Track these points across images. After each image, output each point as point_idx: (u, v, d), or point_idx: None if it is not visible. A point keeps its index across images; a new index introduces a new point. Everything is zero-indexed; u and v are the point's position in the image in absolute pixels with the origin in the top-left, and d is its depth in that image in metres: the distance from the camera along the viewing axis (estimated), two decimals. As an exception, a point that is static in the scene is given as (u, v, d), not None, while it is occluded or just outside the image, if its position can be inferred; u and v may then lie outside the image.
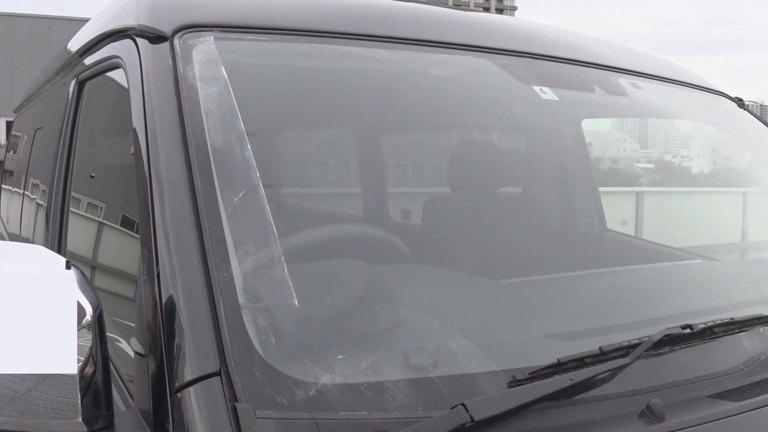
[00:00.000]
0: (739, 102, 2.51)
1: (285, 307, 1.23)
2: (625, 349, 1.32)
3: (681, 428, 1.22)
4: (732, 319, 1.51)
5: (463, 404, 1.09)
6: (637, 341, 1.34)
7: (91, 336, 1.08)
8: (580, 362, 1.27)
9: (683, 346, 1.43)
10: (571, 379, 1.21)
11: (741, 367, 1.46)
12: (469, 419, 1.08)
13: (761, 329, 1.58)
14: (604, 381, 1.27)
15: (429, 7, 2.08)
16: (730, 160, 2.87)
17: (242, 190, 1.32)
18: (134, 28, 1.66)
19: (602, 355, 1.30)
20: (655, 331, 1.41)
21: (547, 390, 1.18)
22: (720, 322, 1.49)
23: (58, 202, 2.20)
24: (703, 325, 1.45)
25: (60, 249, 2.12)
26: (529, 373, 1.22)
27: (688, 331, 1.42)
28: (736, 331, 1.51)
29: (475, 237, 1.83)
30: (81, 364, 1.07)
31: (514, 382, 1.21)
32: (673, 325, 1.41)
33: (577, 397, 1.24)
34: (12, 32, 30.44)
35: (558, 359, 1.25)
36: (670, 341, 1.39)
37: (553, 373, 1.23)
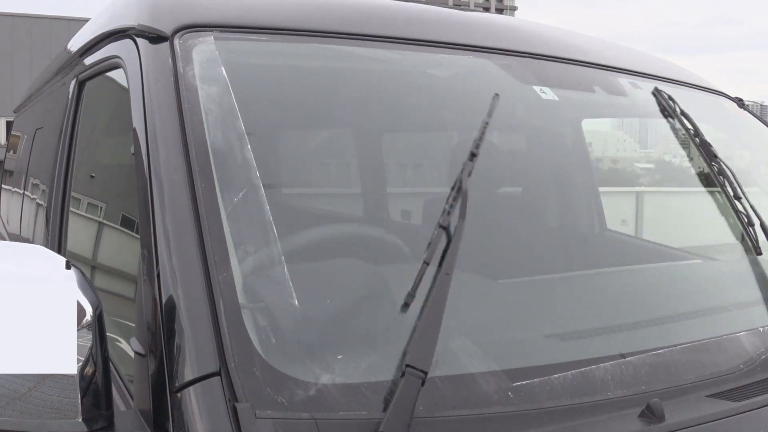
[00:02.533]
0: (739, 102, 2.51)
1: (285, 307, 1.23)
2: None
3: (681, 428, 1.22)
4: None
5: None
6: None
7: (91, 336, 1.08)
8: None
9: (681, 343, 1.43)
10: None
11: (741, 367, 1.46)
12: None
13: (761, 329, 1.58)
14: (606, 385, 1.27)
15: (429, 7, 2.08)
16: (730, 160, 2.87)
17: (242, 190, 1.32)
18: (134, 28, 1.66)
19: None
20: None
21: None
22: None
23: (58, 202, 2.20)
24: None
25: (60, 249, 2.12)
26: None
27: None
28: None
29: (475, 237, 1.83)
30: (81, 364, 1.07)
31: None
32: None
33: (577, 396, 1.24)
34: (12, 32, 30.44)
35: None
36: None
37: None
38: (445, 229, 1.34)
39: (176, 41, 1.52)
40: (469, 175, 1.53)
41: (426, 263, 1.34)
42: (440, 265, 1.46)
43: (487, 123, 1.72)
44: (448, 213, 1.37)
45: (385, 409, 1.10)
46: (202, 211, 1.26)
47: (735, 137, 2.62)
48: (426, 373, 1.11)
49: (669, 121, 2.11)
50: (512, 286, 1.69)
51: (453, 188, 1.50)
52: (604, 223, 2.80)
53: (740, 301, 1.79)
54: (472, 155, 1.55)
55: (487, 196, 2.07)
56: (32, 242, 2.68)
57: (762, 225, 1.86)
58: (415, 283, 1.28)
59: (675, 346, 1.45)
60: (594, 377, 1.29)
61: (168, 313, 1.18)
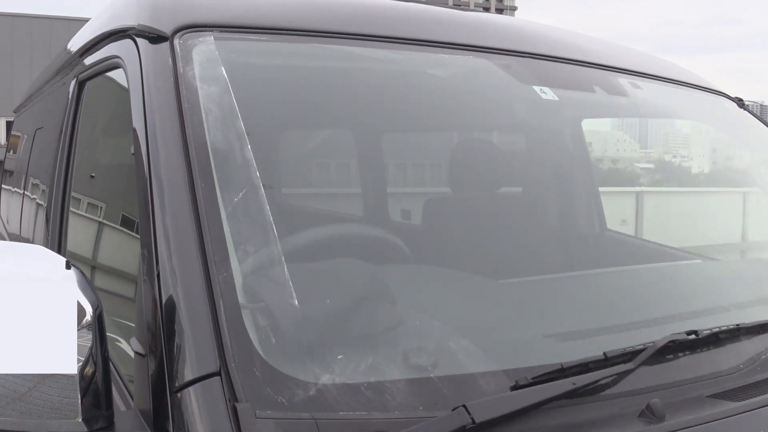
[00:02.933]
0: (739, 102, 2.51)
1: (285, 307, 1.23)
2: (629, 355, 1.31)
3: (681, 428, 1.22)
4: (737, 325, 1.51)
5: (464, 406, 1.09)
6: (641, 347, 1.33)
7: (91, 336, 1.08)
8: (584, 367, 1.27)
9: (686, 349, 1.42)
10: (574, 383, 1.21)
11: (741, 367, 1.46)
12: (471, 421, 1.08)
13: (763, 331, 1.58)
14: (606, 386, 1.27)
15: (429, 7, 2.08)
16: (730, 160, 2.87)
17: (242, 190, 1.32)
18: (134, 28, 1.66)
19: (606, 361, 1.29)
20: (657, 332, 1.41)
21: (549, 394, 1.18)
22: (725, 328, 1.48)
23: (58, 202, 2.20)
24: (708, 332, 1.44)
25: (60, 249, 2.12)
26: (532, 377, 1.22)
27: (693, 337, 1.41)
28: (741, 337, 1.51)
29: (475, 237, 1.83)
30: (81, 364, 1.07)
31: (517, 386, 1.21)
32: (678, 331, 1.40)
33: (578, 397, 1.24)
34: (12, 32, 30.44)
35: (561, 364, 1.25)
36: (674, 347, 1.38)
37: (557, 377, 1.23)
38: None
39: (176, 41, 1.52)
40: (470, 175, 1.52)
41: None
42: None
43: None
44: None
45: (377, 410, 1.10)
46: (202, 211, 1.26)
47: (735, 137, 2.62)
48: (474, 423, 1.08)
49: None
50: (512, 286, 1.69)
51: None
52: (604, 223, 2.80)
53: (740, 301, 1.79)
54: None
55: (487, 196, 2.07)
56: (32, 242, 2.68)
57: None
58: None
59: (679, 351, 1.45)
60: (597, 382, 1.29)
61: (168, 313, 1.18)
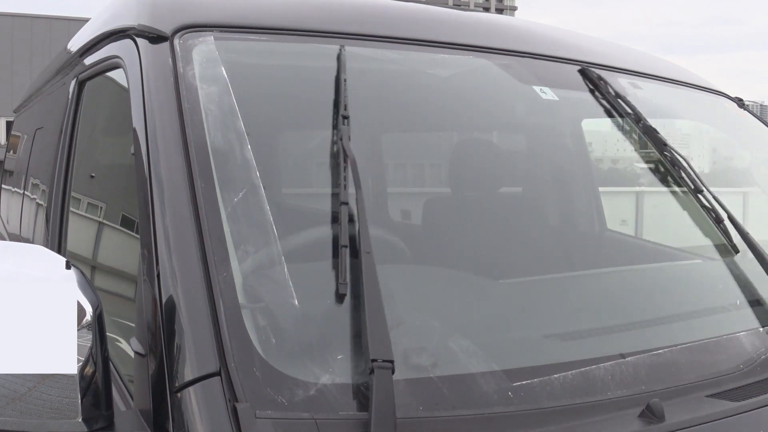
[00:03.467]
0: (739, 102, 2.51)
1: (285, 307, 1.23)
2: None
3: (681, 428, 1.22)
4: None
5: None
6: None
7: (91, 336, 1.08)
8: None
9: (681, 343, 1.43)
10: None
11: (741, 367, 1.46)
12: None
13: (761, 329, 1.58)
14: (606, 386, 1.27)
15: (429, 7, 2.08)
16: (730, 160, 2.87)
17: (242, 190, 1.32)
18: (134, 28, 1.66)
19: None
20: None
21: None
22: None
23: (58, 202, 2.20)
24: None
25: (60, 249, 2.12)
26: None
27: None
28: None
29: (475, 237, 1.83)
30: (81, 364, 1.07)
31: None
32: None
33: (578, 397, 1.24)
34: (12, 32, 30.44)
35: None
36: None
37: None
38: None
39: (176, 41, 1.52)
40: (470, 175, 1.52)
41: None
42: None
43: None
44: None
45: (366, 410, 1.10)
46: (202, 211, 1.26)
47: (735, 137, 2.62)
48: (392, 362, 1.09)
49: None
50: (512, 286, 1.69)
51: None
52: (604, 223, 2.80)
53: (740, 301, 1.79)
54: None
55: (487, 196, 2.07)
56: (32, 242, 2.68)
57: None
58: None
59: (675, 346, 1.45)
60: (594, 377, 1.29)
61: (168, 313, 1.18)
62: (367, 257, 1.27)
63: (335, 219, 1.37)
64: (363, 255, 1.29)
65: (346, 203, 1.36)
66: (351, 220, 1.36)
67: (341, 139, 1.47)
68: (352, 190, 1.39)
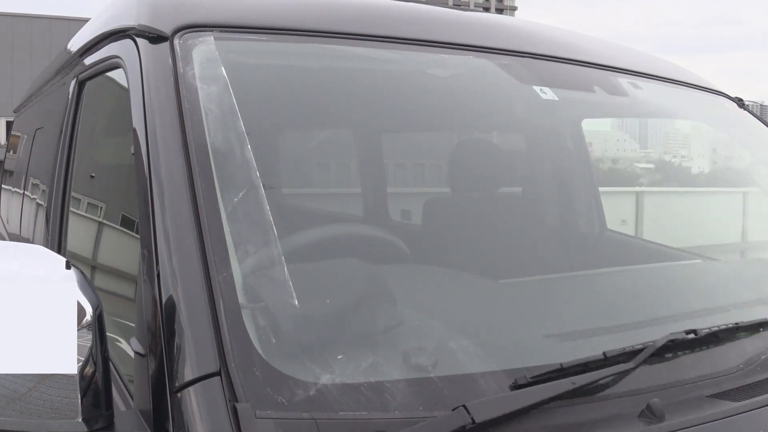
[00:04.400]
0: (739, 102, 2.51)
1: (285, 307, 1.23)
2: (629, 355, 1.32)
3: (681, 428, 1.22)
4: (736, 323, 1.51)
5: (464, 406, 1.09)
6: (640, 347, 1.33)
7: (91, 336, 1.08)
8: (584, 367, 1.27)
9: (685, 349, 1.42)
10: (573, 383, 1.21)
11: (741, 367, 1.46)
12: (471, 421, 1.08)
13: (761, 329, 1.58)
14: (606, 386, 1.27)
15: (429, 7, 2.08)
16: (730, 160, 2.87)
17: (242, 190, 1.32)
18: (134, 28, 1.66)
19: (605, 360, 1.29)
20: (656, 332, 1.41)
21: (549, 393, 1.18)
22: (724, 327, 1.48)
23: (58, 202, 2.20)
24: (707, 331, 1.44)
25: (60, 249, 2.12)
26: (531, 377, 1.22)
27: (692, 336, 1.41)
28: (741, 335, 1.51)
29: (475, 237, 1.83)
30: (81, 364, 1.07)
31: (517, 385, 1.21)
32: (676, 331, 1.41)
33: (578, 397, 1.24)
34: (12, 32, 30.44)
35: (561, 364, 1.25)
36: (673, 347, 1.38)
37: (556, 377, 1.23)
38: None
39: (176, 41, 1.52)
40: (470, 175, 1.52)
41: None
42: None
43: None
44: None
45: (377, 410, 1.10)
46: (202, 211, 1.26)
47: (735, 137, 2.62)
48: (474, 422, 1.08)
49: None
50: (512, 286, 1.69)
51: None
52: (604, 223, 2.80)
53: (740, 301, 1.79)
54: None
55: (487, 196, 2.07)
56: (32, 242, 2.68)
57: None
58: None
59: (678, 351, 1.45)
60: (596, 381, 1.29)
61: (168, 313, 1.18)
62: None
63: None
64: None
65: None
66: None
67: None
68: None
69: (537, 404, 1.16)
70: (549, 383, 1.21)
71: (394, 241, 1.72)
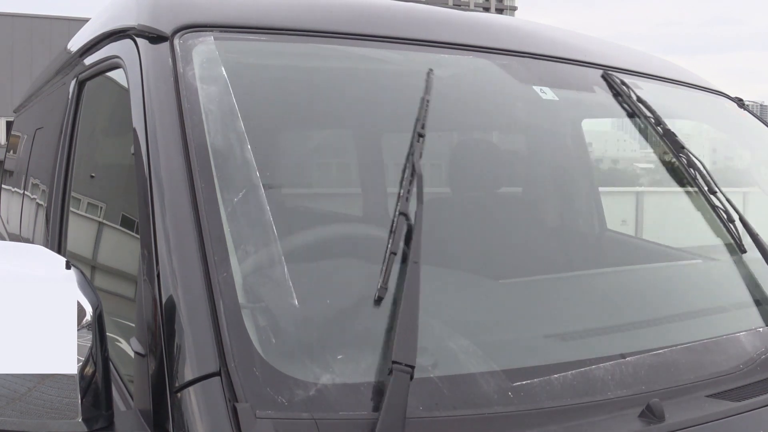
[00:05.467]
0: (739, 102, 2.51)
1: (285, 307, 1.23)
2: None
3: (681, 428, 1.22)
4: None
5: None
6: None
7: (91, 336, 1.08)
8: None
9: (681, 343, 1.43)
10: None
11: (741, 367, 1.46)
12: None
13: (761, 329, 1.58)
14: (601, 377, 1.27)
15: (429, 7, 2.08)
16: (730, 160, 2.87)
17: (242, 190, 1.32)
18: (134, 28, 1.66)
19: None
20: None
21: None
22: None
23: (58, 202, 2.20)
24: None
25: (60, 249, 2.12)
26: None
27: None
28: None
29: (475, 237, 1.83)
30: (81, 364, 1.07)
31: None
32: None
33: (577, 396, 1.24)
34: (12, 32, 30.44)
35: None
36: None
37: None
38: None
39: (176, 41, 1.52)
40: (470, 175, 1.52)
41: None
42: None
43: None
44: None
45: (377, 410, 1.10)
46: (202, 211, 1.26)
47: (735, 137, 2.62)
48: (413, 368, 1.11)
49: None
50: (512, 286, 1.69)
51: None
52: (604, 223, 2.80)
53: (740, 301, 1.79)
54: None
55: (487, 196, 2.07)
56: (32, 242, 2.68)
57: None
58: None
59: (675, 346, 1.45)
60: (594, 377, 1.29)
61: (168, 313, 1.18)
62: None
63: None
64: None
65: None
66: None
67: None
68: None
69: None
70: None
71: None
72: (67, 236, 2.12)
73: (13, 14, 31.44)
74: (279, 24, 1.71)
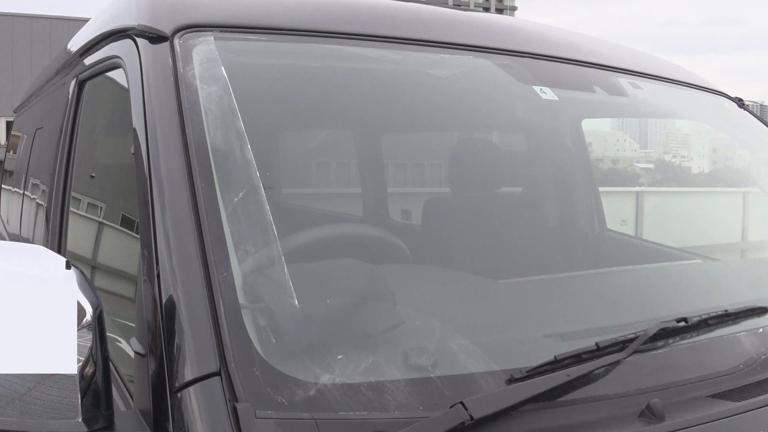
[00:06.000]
0: (739, 102, 2.51)
1: (285, 307, 1.23)
2: (621, 344, 1.32)
3: (681, 428, 1.22)
4: (726, 311, 1.52)
5: (462, 403, 1.09)
6: (633, 335, 1.35)
7: (91, 336, 1.08)
8: (577, 358, 1.27)
9: (681, 343, 1.43)
10: (569, 375, 1.21)
11: (741, 367, 1.46)
12: (469, 418, 1.08)
13: (760, 329, 1.58)
14: (601, 377, 1.27)
15: (429, 7, 2.08)
16: (730, 160, 2.87)
17: (242, 190, 1.32)
18: (134, 28, 1.66)
19: (598, 351, 1.30)
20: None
21: (545, 386, 1.18)
22: (715, 314, 1.50)
23: (58, 202, 2.20)
24: (698, 318, 1.46)
25: (60, 249, 2.12)
26: (527, 371, 1.22)
27: (683, 324, 1.43)
28: (731, 323, 1.52)
29: (475, 237, 1.83)
30: (81, 364, 1.07)
31: (512, 380, 1.21)
32: (668, 319, 1.42)
33: (577, 396, 1.24)
34: (12, 32, 30.44)
35: (555, 356, 1.26)
36: (665, 335, 1.40)
37: (551, 370, 1.23)
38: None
39: (176, 41, 1.52)
40: (470, 175, 1.52)
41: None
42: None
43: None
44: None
45: (377, 410, 1.10)
46: (202, 211, 1.26)
47: (735, 137, 2.62)
48: (472, 419, 1.09)
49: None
50: (512, 286, 1.69)
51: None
52: (604, 223, 2.80)
53: (740, 301, 1.79)
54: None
55: (487, 196, 2.07)
56: (32, 242, 2.68)
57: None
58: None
59: (675, 346, 1.45)
60: (594, 377, 1.29)
61: (168, 313, 1.18)
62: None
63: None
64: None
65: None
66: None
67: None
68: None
69: (534, 398, 1.16)
70: (544, 376, 1.21)
71: (394, 241, 1.72)
72: (67, 236, 2.12)
73: (13, 14, 31.43)
74: (279, 24, 1.71)
